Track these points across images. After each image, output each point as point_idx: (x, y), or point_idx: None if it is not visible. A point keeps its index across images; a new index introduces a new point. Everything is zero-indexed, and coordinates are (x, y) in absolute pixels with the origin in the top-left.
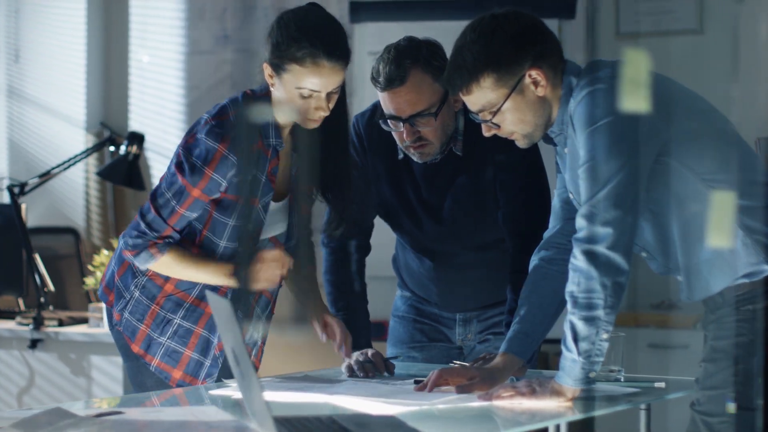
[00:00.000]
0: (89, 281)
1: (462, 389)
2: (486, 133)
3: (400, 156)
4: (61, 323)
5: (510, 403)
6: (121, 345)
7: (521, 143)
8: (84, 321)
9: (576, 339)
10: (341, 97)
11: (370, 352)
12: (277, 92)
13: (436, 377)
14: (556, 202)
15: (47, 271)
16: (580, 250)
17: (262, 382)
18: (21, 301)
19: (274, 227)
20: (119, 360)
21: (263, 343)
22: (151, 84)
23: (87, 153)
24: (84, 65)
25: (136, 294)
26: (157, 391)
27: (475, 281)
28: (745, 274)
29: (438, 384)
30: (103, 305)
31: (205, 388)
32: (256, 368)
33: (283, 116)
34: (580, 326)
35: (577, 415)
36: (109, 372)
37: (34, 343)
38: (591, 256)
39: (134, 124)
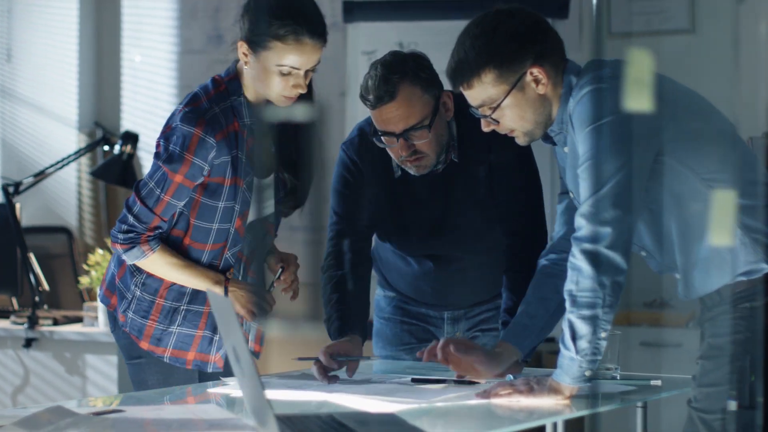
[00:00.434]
0: (84, 280)
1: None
2: (485, 129)
3: (398, 174)
4: (55, 322)
5: (508, 401)
6: (126, 346)
7: (521, 141)
8: (78, 320)
9: (574, 337)
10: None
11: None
12: (251, 70)
13: (444, 344)
14: (559, 206)
15: (41, 271)
16: (579, 249)
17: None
18: (15, 301)
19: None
20: (114, 359)
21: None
22: (144, 83)
23: (82, 152)
24: (76, 65)
25: (138, 292)
26: (159, 389)
27: (471, 281)
28: (744, 272)
29: (444, 356)
30: (99, 304)
31: (206, 386)
32: (256, 353)
33: (256, 95)
34: (579, 325)
35: (575, 413)
36: (103, 371)
37: (28, 342)
38: (590, 255)
39: (127, 124)
